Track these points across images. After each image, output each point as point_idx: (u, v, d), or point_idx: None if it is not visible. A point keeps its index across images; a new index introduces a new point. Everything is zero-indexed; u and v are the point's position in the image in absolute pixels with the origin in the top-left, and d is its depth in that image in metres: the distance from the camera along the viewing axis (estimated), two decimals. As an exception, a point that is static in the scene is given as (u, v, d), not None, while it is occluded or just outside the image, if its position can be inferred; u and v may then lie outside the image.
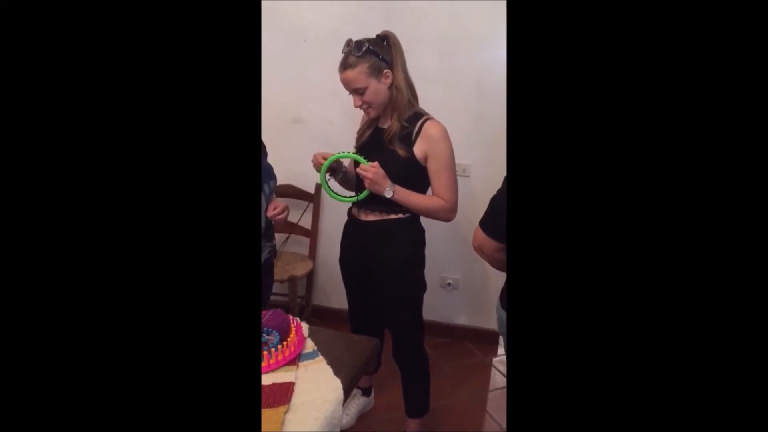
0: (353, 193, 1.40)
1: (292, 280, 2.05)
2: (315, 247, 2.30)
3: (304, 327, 1.08)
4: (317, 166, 1.34)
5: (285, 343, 0.98)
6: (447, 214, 1.36)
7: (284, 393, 0.85)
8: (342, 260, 1.52)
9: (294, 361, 0.96)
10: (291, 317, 1.08)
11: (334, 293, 2.41)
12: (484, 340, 2.30)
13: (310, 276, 2.31)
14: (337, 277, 2.39)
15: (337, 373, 0.93)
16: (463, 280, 2.27)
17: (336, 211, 2.28)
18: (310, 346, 1.02)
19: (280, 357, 0.94)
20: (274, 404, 0.82)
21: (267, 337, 1.02)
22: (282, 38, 2.17)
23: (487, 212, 1.14)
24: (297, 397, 0.85)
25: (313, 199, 2.25)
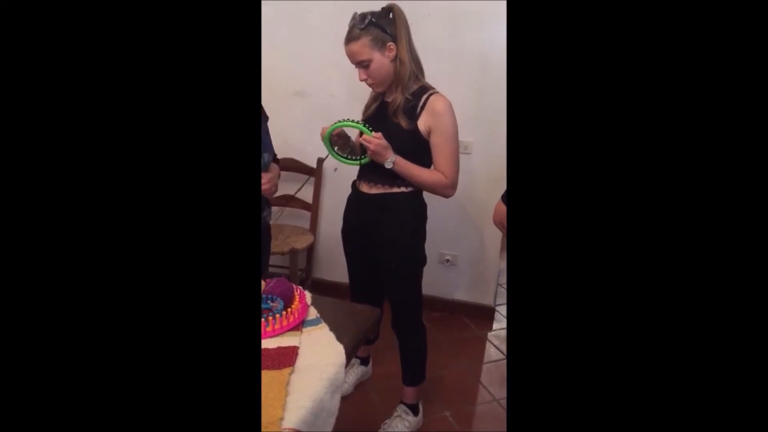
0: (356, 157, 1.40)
1: (293, 253, 2.08)
2: (316, 221, 2.33)
3: (308, 295, 1.11)
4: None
5: (289, 309, 1.01)
6: (446, 189, 1.37)
7: (289, 356, 0.88)
8: (344, 232, 1.54)
9: (298, 327, 0.99)
10: (295, 286, 1.11)
11: (333, 266, 2.44)
12: (480, 314, 2.35)
13: (311, 249, 2.34)
14: (337, 251, 2.42)
15: (339, 339, 0.96)
16: (461, 257, 2.30)
17: (337, 186, 2.29)
18: (313, 313, 1.05)
19: (285, 323, 0.97)
20: (279, 366, 0.85)
21: (271, 303, 1.05)
22: (286, 9, 2.14)
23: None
24: (301, 360, 0.89)
25: (314, 173, 2.26)
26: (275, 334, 0.95)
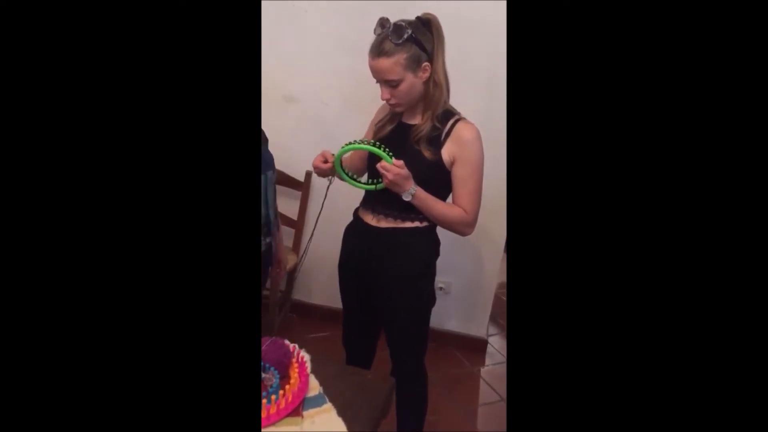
0: (368, 180, 1.22)
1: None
2: (300, 240, 2.11)
3: (307, 360, 0.90)
4: (318, 169, 1.16)
5: (287, 386, 0.80)
6: (465, 228, 1.21)
7: (290, 459, 0.68)
8: (343, 265, 1.34)
9: (297, 409, 0.79)
10: (291, 346, 0.90)
11: (316, 289, 2.24)
12: (471, 347, 2.20)
13: (293, 270, 2.12)
14: (321, 272, 2.21)
15: (351, 426, 0.77)
16: (455, 284, 2.14)
17: (327, 203, 2.09)
18: (315, 386, 0.85)
19: (282, 405, 0.77)
20: (278, 478, 0.65)
21: (264, 375, 0.84)
22: (279, 7, 1.92)
23: None
24: (306, 465, 0.69)
25: (302, 187, 2.05)
26: (270, 422, 0.75)
